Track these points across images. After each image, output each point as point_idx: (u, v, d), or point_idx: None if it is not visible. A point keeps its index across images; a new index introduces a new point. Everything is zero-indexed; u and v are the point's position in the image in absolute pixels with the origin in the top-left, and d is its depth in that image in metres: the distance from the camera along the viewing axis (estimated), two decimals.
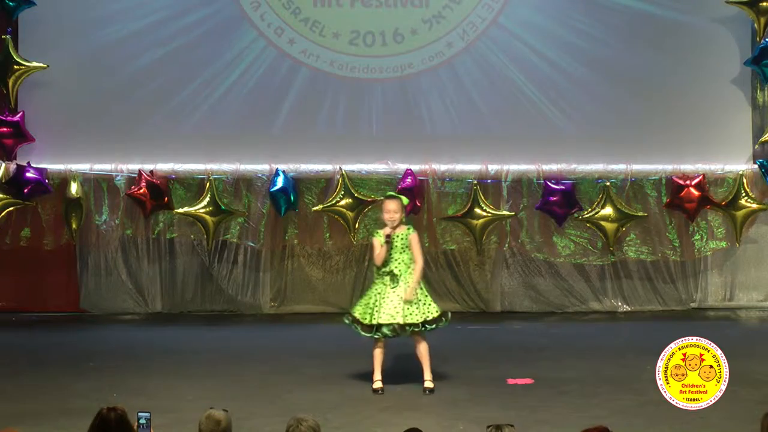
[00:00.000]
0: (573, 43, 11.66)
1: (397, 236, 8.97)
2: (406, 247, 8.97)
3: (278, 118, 11.66)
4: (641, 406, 8.18)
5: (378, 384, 8.92)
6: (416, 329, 8.84)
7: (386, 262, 8.94)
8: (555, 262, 11.88)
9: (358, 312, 8.99)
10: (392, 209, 8.98)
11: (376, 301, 8.89)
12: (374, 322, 8.83)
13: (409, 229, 9.09)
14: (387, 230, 8.95)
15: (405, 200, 9.21)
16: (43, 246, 11.67)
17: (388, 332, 8.83)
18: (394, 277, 8.92)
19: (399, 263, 8.94)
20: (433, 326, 8.92)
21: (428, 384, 8.93)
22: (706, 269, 12.05)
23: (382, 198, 11.41)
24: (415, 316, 8.83)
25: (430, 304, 8.94)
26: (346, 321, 9.09)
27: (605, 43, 11.67)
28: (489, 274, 11.99)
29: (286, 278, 11.99)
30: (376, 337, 8.90)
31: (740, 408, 7.77)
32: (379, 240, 8.98)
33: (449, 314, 9.08)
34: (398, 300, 8.85)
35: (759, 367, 9.37)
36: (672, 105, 11.73)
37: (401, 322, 8.80)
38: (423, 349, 8.97)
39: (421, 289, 8.97)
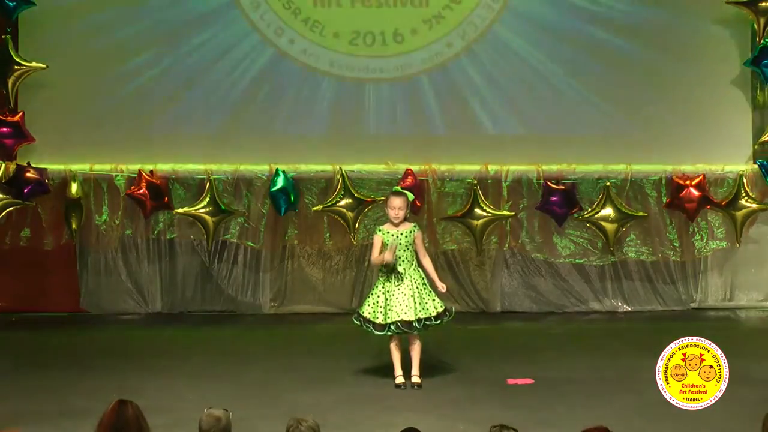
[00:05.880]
0: (573, 43, 11.65)
1: (401, 233, 9.01)
2: (410, 244, 9.03)
3: (278, 118, 11.66)
4: (641, 406, 8.18)
5: (400, 379, 8.98)
6: (428, 323, 8.89)
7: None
8: (555, 262, 11.88)
9: (367, 311, 9.02)
10: (397, 206, 9.05)
11: (387, 299, 8.92)
12: (388, 321, 8.88)
13: (414, 226, 9.15)
14: (389, 256, 8.93)
15: (410, 196, 9.25)
16: (43, 246, 11.66)
17: (395, 329, 8.88)
18: (398, 275, 8.97)
19: (404, 260, 9.01)
20: (439, 322, 8.99)
21: (416, 379, 9.01)
22: (706, 269, 12.05)
23: (383, 198, 11.48)
24: (425, 312, 8.90)
25: (434, 299, 9.01)
26: (356, 322, 9.11)
27: (605, 44, 11.66)
28: (489, 274, 11.99)
29: (286, 278, 11.99)
30: (389, 334, 8.94)
31: (740, 408, 7.76)
32: (381, 237, 9.02)
33: (453, 309, 9.14)
34: (405, 297, 8.89)
35: (759, 367, 9.38)
36: (672, 105, 11.72)
37: (412, 318, 8.86)
38: (417, 346, 9.04)
39: (425, 285, 9.03)
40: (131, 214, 11.66)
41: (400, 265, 8.99)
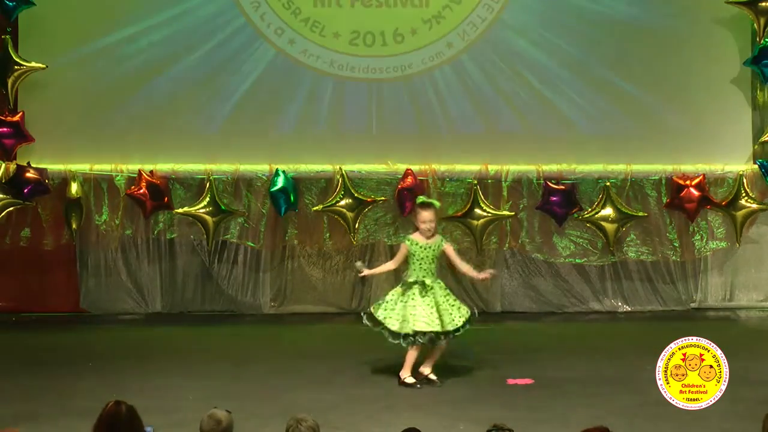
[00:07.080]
0: (572, 43, 11.66)
1: (429, 246, 9.01)
2: (436, 257, 9.03)
3: (278, 118, 11.67)
4: (641, 406, 8.18)
5: (410, 379, 8.98)
6: (457, 333, 8.96)
7: (415, 272, 9.00)
8: (555, 262, 11.88)
9: (381, 315, 8.99)
10: (429, 218, 9.07)
11: (404, 308, 8.90)
12: (405, 330, 8.85)
13: (442, 240, 9.15)
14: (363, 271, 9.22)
15: (437, 204, 9.32)
16: (43, 246, 11.67)
17: (420, 339, 8.89)
18: (424, 286, 8.96)
19: (429, 274, 9.01)
20: (466, 328, 9.02)
21: (427, 370, 9.05)
22: (706, 269, 12.05)
23: (383, 198, 11.50)
24: (454, 323, 8.90)
25: (460, 307, 9.04)
26: (379, 325, 9.03)
27: (605, 44, 11.67)
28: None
29: (286, 278, 11.99)
30: (405, 344, 8.93)
31: (740, 408, 7.77)
32: (408, 247, 9.03)
33: (476, 310, 9.22)
34: (431, 309, 8.89)
35: (759, 367, 9.38)
36: (672, 105, 11.73)
37: (439, 329, 8.87)
38: (440, 350, 9.08)
39: (450, 293, 9.05)
40: (131, 214, 11.66)
41: (425, 277, 8.98)
